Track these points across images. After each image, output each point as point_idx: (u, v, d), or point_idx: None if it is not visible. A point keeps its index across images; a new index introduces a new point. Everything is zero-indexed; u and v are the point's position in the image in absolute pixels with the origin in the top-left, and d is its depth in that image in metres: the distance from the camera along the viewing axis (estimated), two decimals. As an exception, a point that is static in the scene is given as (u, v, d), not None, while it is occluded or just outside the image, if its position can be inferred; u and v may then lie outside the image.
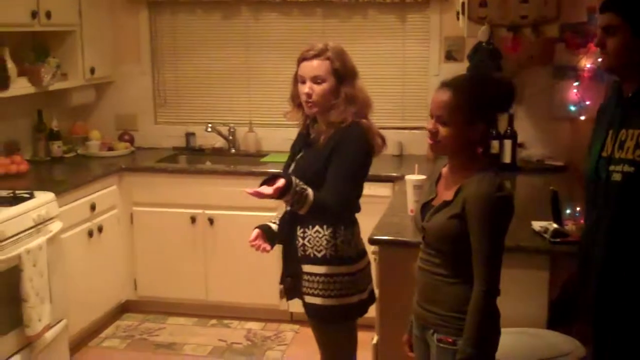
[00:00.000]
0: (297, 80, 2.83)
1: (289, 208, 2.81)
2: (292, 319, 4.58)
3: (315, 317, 2.86)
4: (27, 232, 3.62)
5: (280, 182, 2.58)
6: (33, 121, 4.83)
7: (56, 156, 4.84)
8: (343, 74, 2.78)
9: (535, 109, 4.55)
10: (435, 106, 2.21)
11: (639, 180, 2.14)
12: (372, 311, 2.98)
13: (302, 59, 2.80)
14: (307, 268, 2.81)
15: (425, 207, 2.34)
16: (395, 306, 2.91)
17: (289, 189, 2.60)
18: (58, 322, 3.86)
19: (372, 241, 3.02)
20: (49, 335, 3.75)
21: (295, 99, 2.88)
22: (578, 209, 3.27)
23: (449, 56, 4.78)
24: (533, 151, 4.55)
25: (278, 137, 4.97)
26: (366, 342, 3.13)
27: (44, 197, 3.84)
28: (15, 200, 3.71)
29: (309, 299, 2.82)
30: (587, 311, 2.34)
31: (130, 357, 4.24)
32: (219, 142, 5.15)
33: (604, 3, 2.22)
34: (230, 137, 5.13)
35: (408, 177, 3.31)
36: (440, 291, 2.24)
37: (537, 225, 2.93)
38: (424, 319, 2.30)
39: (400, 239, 3.01)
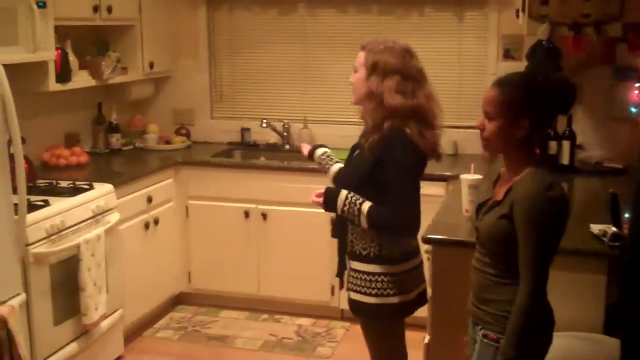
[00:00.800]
0: None
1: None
2: (343, 316, 4.58)
3: (357, 313, 2.88)
4: (86, 223, 3.70)
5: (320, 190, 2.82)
6: (93, 114, 4.93)
7: (115, 148, 4.94)
8: (372, 68, 2.72)
9: (595, 109, 4.46)
10: (484, 102, 2.22)
11: None
12: (423, 310, 2.97)
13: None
14: (353, 264, 2.83)
15: (480, 207, 2.34)
16: (448, 306, 2.89)
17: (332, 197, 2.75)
18: (114, 312, 3.95)
19: (425, 240, 2.99)
20: (105, 324, 3.83)
21: None
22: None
23: (507, 55, 4.72)
24: (592, 153, 4.46)
25: (332, 133, 4.98)
26: (417, 341, 3.12)
27: (103, 189, 3.92)
28: (75, 191, 3.80)
29: (352, 295, 2.84)
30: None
31: (183, 348, 4.30)
32: (274, 138, 5.19)
33: None
34: (285, 133, 5.16)
35: (463, 176, 3.28)
36: (491, 291, 2.22)
37: (595, 228, 2.87)
38: (476, 316, 2.29)
39: (453, 238, 2.98)
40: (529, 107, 2.14)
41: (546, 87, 2.17)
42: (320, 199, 2.80)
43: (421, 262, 2.92)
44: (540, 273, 2.09)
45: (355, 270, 2.81)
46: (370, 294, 2.77)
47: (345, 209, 2.72)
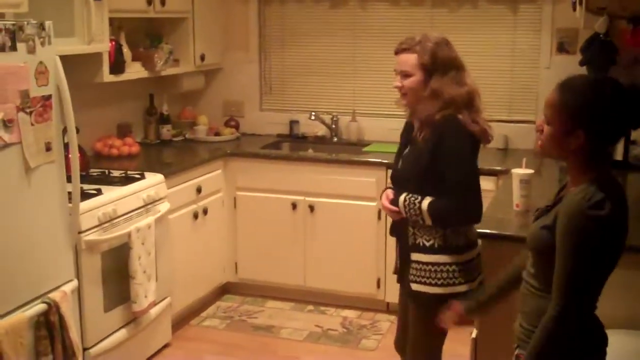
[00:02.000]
0: None
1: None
2: (389, 309, 4.57)
3: (421, 304, 2.85)
4: (137, 212, 3.76)
5: (388, 195, 2.88)
6: (145, 105, 5.00)
7: (165, 139, 5.00)
8: (432, 67, 2.74)
9: (651, 105, 4.34)
10: (545, 104, 2.07)
11: None
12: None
13: (395, 52, 2.83)
14: (415, 257, 2.82)
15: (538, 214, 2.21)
16: (496, 301, 2.85)
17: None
18: (162, 300, 4.00)
19: (474, 235, 2.97)
20: (154, 311, 3.89)
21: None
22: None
23: (561, 48, 4.64)
24: (647, 149, 4.36)
25: (380, 126, 4.97)
26: (465, 336, 3.09)
27: (153, 179, 3.97)
28: (127, 180, 3.86)
29: (416, 287, 2.82)
30: None
31: (229, 337, 4.34)
32: (322, 131, 5.19)
33: None
34: (333, 126, 5.16)
35: (515, 170, 3.24)
36: (527, 302, 2.13)
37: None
38: (516, 333, 2.18)
39: (503, 233, 2.95)
40: (588, 119, 1.97)
41: (614, 99, 1.96)
42: (387, 203, 2.86)
43: (480, 252, 2.91)
44: (572, 293, 1.95)
45: (419, 262, 2.81)
46: (435, 284, 2.78)
47: (406, 210, 2.78)
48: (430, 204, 2.72)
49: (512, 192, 3.24)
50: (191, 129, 5.21)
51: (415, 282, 2.82)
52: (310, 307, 4.73)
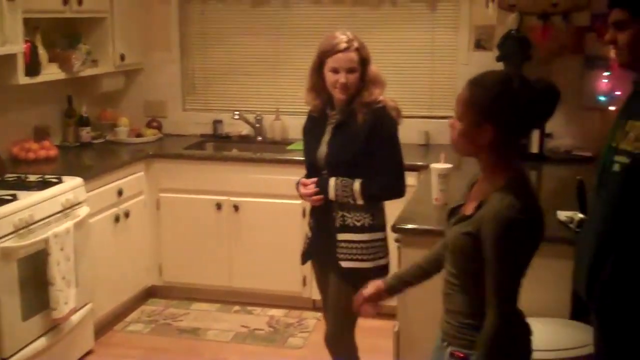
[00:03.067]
0: (322, 69, 3.02)
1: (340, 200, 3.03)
2: (315, 306, 4.58)
3: (350, 280, 2.96)
4: (55, 216, 3.67)
5: (305, 183, 3.09)
6: (63, 107, 4.88)
7: (85, 142, 4.89)
8: (367, 60, 3.03)
9: (565, 98, 4.33)
10: (456, 101, 2.11)
11: (633, 172, 2.11)
12: (393, 299, 2.97)
13: (336, 51, 2.97)
14: (344, 236, 3.02)
15: (452, 212, 2.23)
16: (417, 294, 2.87)
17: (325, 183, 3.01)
18: (84, 306, 3.92)
19: (395, 229, 3.01)
20: (75, 318, 3.80)
21: (315, 87, 3.10)
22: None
23: (479, 45, 4.74)
24: (561, 141, 4.49)
25: (304, 125, 4.97)
26: (387, 330, 3.13)
27: (72, 182, 3.88)
28: (44, 185, 3.77)
29: (346, 264, 3.01)
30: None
31: (154, 342, 4.28)
32: (246, 130, 5.17)
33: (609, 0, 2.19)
34: (257, 125, 5.14)
35: (433, 165, 3.29)
36: (452, 301, 2.15)
37: (562, 215, 2.89)
38: (444, 331, 2.20)
39: (423, 227, 2.99)
40: (495, 112, 2.00)
41: (520, 92, 2.00)
42: (311, 190, 3.05)
43: None
44: (509, 296, 2.00)
45: (349, 241, 3.01)
46: (366, 260, 3.01)
47: (338, 193, 2.99)
48: (362, 185, 2.97)
49: (431, 187, 3.29)
50: (112, 130, 5.11)
51: (346, 259, 3.02)
52: (237, 307, 4.70)
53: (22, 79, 4.02)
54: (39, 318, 3.56)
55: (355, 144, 2.97)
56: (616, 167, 2.16)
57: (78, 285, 3.77)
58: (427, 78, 4.91)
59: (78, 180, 3.93)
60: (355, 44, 2.99)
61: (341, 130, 3.04)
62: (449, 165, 3.27)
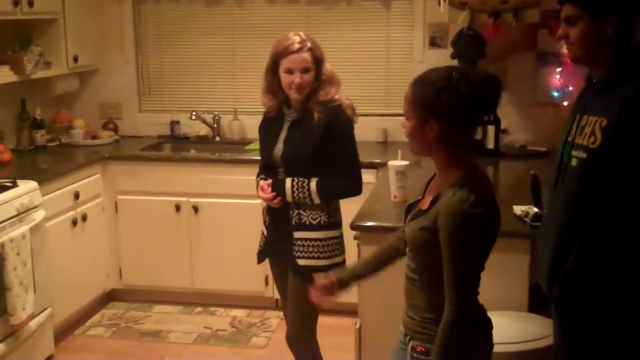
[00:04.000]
0: (277, 71, 3.05)
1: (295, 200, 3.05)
2: (277, 305, 4.58)
3: (308, 277, 2.84)
4: (10, 221, 3.61)
5: (263, 187, 3.08)
6: (16, 110, 4.80)
7: (40, 145, 4.82)
8: (320, 59, 3.05)
9: (519, 94, 4.56)
10: (403, 100, 2.12)
11: (591, 167, 2.13)
12: (354, 297, 2.99)
13: (290, 52, 2.99)
14: (300, 234, 3.04)
15: (410, 208, 2.25)
16: (377, 291, 2.92)
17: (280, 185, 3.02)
18: (43, 311, 3.86)
19: (354, 227, 3.03)
20: (34, 323, 3.75)
21: (271, 88, 3.11)
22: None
23: (433, 42, 4.78)
24: (516, 137, 4.57)
25: (263, 124, 4.97)
26: (349, 327, 3.15)
27: (27, 186, 3.83)
28: (-2, 189, 3.71)
29: (303, 262, 3.03)
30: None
31: (116, 346, 4.24)
32: (204, 130, 5.15)
33: None
34: (215, 125, 5.13)
35: (391, 162, 3.32)
36: (414, 295, 2.18)
37: (518, 209, 2.95)
38: (406, 325, 2.22)
39: (382, 224, 3.02)
40: (438, 107, 2.02)
41: (461, 87, 2.01)
42: (269, 195, 3.05)
43: None
44: (466, 289, 2.02)
45: (305, 239, 3.04)
46: (322, 257, 3.04)
47: (295, 194, 3.01)
48: (318, 184, 3.00)
49: (389, 184, 3.32)
50: (67, 133, 5.05)
51: (302, 257, 3.04)
52: (199, 309, 4.68)
53: (-27, 82, 3.95)
54: (-3, 325, 3.51)
55: (310, 141, 3.00)
56: (574, 162, 2.19)
57: (36, 290, 3.72)
58: (383, 76, 4.95)
59: (33, 184, 3.87)
60: (309, 44, 3.01)
61: (297, 128, 3.07)
62: (406, 162, 3.31)
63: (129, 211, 4.69)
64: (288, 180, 3.03)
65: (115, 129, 5.18)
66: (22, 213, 3.71)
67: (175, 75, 5.25)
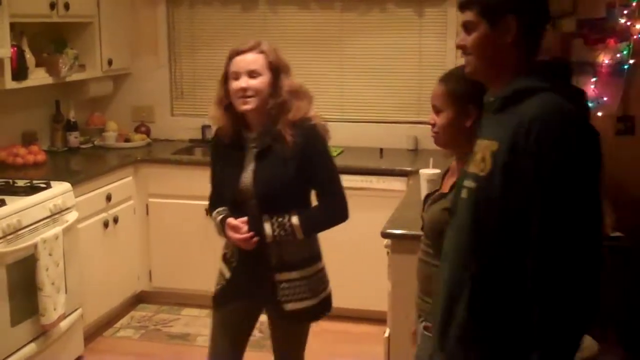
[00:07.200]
0: (227, 79, 2.70)
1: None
2: (306, 311, 4.58)
3: (301, 320, 2.80)
4: (43, 222, 3.66)
5: (237, 226, 2.65)
6: (51, 112, 4.87)
7: (73, 147, 4.88)
8: (279, 67, 2.67)
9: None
10: (432, 98, 2.24)
11: (478, 198, 1.79)
12: (383, 305, 2.98)
13: (235, 53, 2.68)
14: (284, 276, 2.70)
15: (427, 198, 2.34)
16: (407, 300, 2.89)
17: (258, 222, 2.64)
18: (73, 312, 3.90)
19: (384, 235, 3.02)
20: (64, 324, 3.78)
21: (223, 100, 2.72)
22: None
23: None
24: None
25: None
26: (378, 335, 3.14)
27: (60, 187, 3.87)
28: (32, 190, 3.75)
29: (292, 306, 2.71)
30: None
31: (144, 348, 4.27)
32: (235, 135, 5.16)
33: (459, 2, 1.93)
34: (246, 130, 5.14)
35: (422, 170, 3.30)
36: (435, 279, 2.15)
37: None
38: (420, 309, 2.27)
39: (412, 232, 2.99)
40: (474, 95, 2.06)
41: None
42: (245, 235, 2.65)
43: None
44: None
45: (291, 280, 2.70)
46: (310, 297, 2.73)
47: (276, 233, 2.65)
48: (301, 219, 2.65)
49: (420, 192, 3.30)
50: (100, 135, 5.10)
51: (290, 301, 2.70)
52: (227, 312, 4.69)
53: (9, 84, 4.00)
54: (28, 324, 3.54)
55: (287, 172, 2.63)
56: (464, 194, 1.85)
57: (67, 290, 3.76)
58: (415, 83, 4.93)
59: (66, 185, 3.92)
60: (263, 47, 2.66)
61: (267, 156, 2.65)
62: (437, 171, 3.28)
63: (160, 214, 4.72)
64: (266, 220, 2.65)
65: (148, 133, 5.22)
66: (55, 214, 3.75)
67: (208, 80, 5.27)
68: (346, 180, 4.29)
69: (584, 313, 1.68)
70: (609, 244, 2.75)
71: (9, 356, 3.42)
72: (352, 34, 4.88)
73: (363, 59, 4.99)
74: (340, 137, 4.99)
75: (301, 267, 2.71)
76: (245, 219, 2.65)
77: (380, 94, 5.00)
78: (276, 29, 5.09)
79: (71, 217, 3.85)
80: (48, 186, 3.83)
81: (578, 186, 1.67)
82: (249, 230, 2.63)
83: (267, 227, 2.64)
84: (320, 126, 2.70)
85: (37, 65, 4.32)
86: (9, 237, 3.41)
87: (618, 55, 4.18)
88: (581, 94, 1.82)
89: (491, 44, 1.83)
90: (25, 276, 3.49)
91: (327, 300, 2.82)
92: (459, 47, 1.93)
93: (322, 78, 5.00)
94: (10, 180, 3.91)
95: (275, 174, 2.64)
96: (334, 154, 4.68)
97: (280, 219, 2.64)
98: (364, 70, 5.00)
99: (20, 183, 3.87)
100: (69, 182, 3.95)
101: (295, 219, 2.64)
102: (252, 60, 2.63)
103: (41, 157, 4.48)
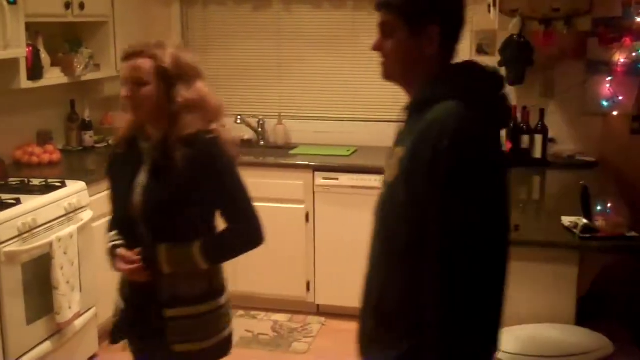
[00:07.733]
0: None
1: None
2: (319, 311, 4.59)
3: None
4: (58, 221, 3.67)
5: (128, 257, 2.34)
6: (66, 111, 4.89)
7: (88, 146, 4.90)
8: (173, 75, 2.32)
9: (567, 104, 4.50)
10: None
11: (383, 205, 1.77)
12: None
13: (123, 57, 2.37)
14: (174, 312, 2.35)
15: None
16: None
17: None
18: (88, 310, 3.92)
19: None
20: (79, 322, 3.80)
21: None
22: (609, 205, 3.24)
23: (480, 50, 4.74)
24: (564, 146, 4.50)
25: (307, 129, 4.99)
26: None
27: (75, 186, 3.89)
28: (47, 189, 3.77)
29: (180, 348, 2.36)
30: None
31: (158, 346, 4.27)
32: (248, 134, 5.18)
33: (376, 1, 1.81)
34: (260, 129, 5.15)
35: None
36: None
37: (566, 220, 2.90)
38: None
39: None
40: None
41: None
42: (137, 266, 2.33)
43: None
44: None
45: (183, 317, 2.35)
46: (205, 338, 2.40)
47: (174, 265, 2.33)
48: (203, 248, 2.32)
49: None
50: (114, 134, 5.10)
51: (179, 342, 2.36)
52: (241, 312, 4.70)
53: (25, 83, 4.02)
54: (43, 322, 3.56)
55: (176, 190, 2.29)
56: (378, 201, 1.81)
57: (82, 289, 3.77)
58: (429, 82, 4.92)
59: (81, 184, 3.94)
60: (155, 51, 2.32)
61: (159, 172, 2.32)
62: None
63: (174, 213, 4.72)
64: (162, 251, 2.30)
65: (162, 132, 5.23)
66: (70, 213, 3.77)
67: (221, 79, 5.29)
68: (359, 180, 4.34)
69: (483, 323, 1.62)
70: (624, 244, 2.74)
71: (24, 354, 3.44)
72: (365, 33, 4.86)
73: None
74: (354, 136, 5.01)
75: (198, 302, 2.37)
76: (138, 250, 2.33)
77: (394, 93, 4.95)
78: (290, 29, 5.10)
79: (86, 215, 3.87)
80: (63, 185, 3.85)
81: (471, 192, 1.60)
82: (142, 260, 2.32)
83: (164, 259, 2.31)
84: (220, 141, 2.34)
85: (53, 64, 4.35)
86: (24, 236, 3.43)
87: (634, 54, 4.17)
88: (494, 100, 1.75)
89: (410, 51, 1.75)
90: (40, 275, 3.51)
91: (225, 343, 2.47)
92: (375, 49, 1.83)
93: (335, 77, 4.98)
94: (26, 179, 3.93)
95: (163, 193, 2.31)
96: (347, 153, 4.72)
97: (178, 250, 2.32)
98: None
99: (36, 182, 3.90)
100: (83, 181, 3.97)
101: (196, 249, 2.31)
102: (137, 66, 2.31)
103: (56, 156, 4.50)
